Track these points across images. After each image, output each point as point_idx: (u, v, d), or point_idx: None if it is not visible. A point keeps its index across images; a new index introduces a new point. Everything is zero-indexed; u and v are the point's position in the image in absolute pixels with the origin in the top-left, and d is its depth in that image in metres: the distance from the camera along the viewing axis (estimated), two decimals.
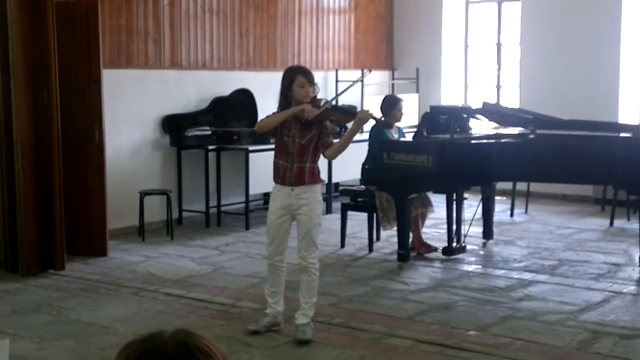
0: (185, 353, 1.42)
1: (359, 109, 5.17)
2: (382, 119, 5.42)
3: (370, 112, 5.12)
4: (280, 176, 5.17)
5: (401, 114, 7.58)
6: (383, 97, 7.99)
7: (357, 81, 5.58)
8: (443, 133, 7.27)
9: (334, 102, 5.28)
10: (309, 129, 5.09)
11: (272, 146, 5.51)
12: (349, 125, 5.18)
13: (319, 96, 5.26)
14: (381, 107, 7.60)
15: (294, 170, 5.11)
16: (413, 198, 7.12)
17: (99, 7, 7.37)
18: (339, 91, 5.35)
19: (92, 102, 7.40)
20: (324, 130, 5.14)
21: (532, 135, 6.98)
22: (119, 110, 8.30)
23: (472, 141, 7.33)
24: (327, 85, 10.74)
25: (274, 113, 5.25)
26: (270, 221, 5.26)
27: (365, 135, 7.97)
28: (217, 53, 9.44)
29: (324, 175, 9.39)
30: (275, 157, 5.22)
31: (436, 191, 7.86)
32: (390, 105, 7.56)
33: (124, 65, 8.47)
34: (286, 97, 5.15)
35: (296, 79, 5.10)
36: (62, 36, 6.98)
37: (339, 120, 5.13)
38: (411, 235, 7.35)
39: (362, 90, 10.86)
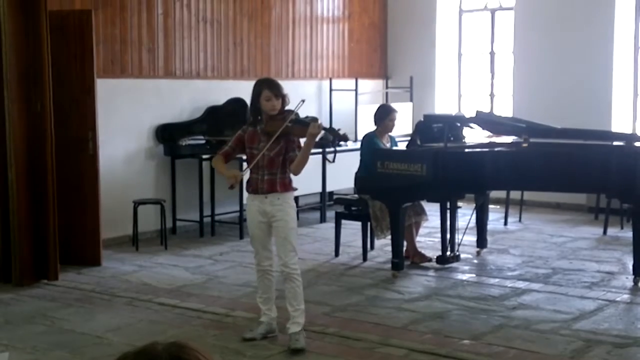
0: None
1: (314, 122, 5.12)
2: (339, 130, 5.30)
3: (321, 124, 5.11)
4: (252, 187, 5.27)
5: (393, 125, 7.59)
6: (378, 106, 8.00)
7: (298, 106, 5.40)
8: (437, 142, 7.28)
9: (296, 116, 5.22)
10: (276, 142, 5.14)
11: None
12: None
13: (309, 106, 5.26)
14: (375, 115, 7.62)
15: (265, 181, 5.19)
16: (407, 207, 7.12)
17: (92, 17, 7.37)
18: (297, 107, 5.25)
19: (86, 111, 7.39)
20: (291, 144, 5.19)
21: (526, 144, 6.99)
22: (113, 119, 8.30)
23: (466, 150, 7.34)
24: (321, 94, 10.77)
25: (235, 137, 5.32)
26: (250, 231, 5.37)
27: (358, 145, 7.98)
28: (211, 62, 9.45)
29: (317, 185, 9.53)
30: (250, 170, 5.29)
31: (430, 200, 7.87)
32: (383, 115, 7.58)
33: (117, 74, 8.47)
34: (255, 110, 5.25)
35: (262, 92, 5.16)
36: (55, 45, 6.98)
37: (300, 133, 5.12)
38: (405, 244, 7.35)
39: (356, 99, 10.87)
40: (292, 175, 5.30)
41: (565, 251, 8.07)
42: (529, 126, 7.20)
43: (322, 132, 5.10)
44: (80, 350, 5.20)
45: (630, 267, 6.87)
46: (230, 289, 6.73)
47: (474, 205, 7.97)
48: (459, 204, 7.86)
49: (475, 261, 7.75)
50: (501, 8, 11.39)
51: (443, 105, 11.71)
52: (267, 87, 5.18)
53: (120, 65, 8.51)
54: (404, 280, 6.96)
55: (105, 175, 7.87)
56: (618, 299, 6.33)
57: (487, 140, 7.77)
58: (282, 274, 5.29)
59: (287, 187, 5.25)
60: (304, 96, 5.40)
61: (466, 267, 7.46)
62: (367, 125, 7.80)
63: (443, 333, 5.50)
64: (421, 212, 7.63)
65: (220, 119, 9.29)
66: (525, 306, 6.16)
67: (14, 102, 6.71)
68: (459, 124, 7.70)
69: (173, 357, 1.42)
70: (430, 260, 7.51)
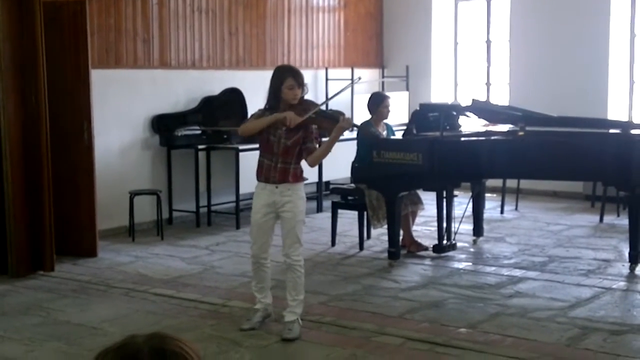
0: (160, 359, 1.40)
1: (343, 116, 5.12)
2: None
3: (352, 121, 5.12)
4: (264, 174, 5.19)
5: (388, 111, 7.59)
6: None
7: (347, 87, 5.52)
8: (433, 131, 7.27)
9: (322, 107, 5.23)
10: (295, 131, 5.10)
11: None
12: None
13: (307, 97, 5.27)
14: (368, 104, 7.61)
15: (278, 170, 5.13)
16: (403, 196, 7.12)
17: (87, 7, 7.33)
18: (330, 95, 5.33)
19: (81, 102, 7.37)
20: (309, 134, 5.15)
21: (522, 132, 6.99)
22: (108, 110, 8.28)
23: (462, 139, 7.33)
24: (317, 84, 10.75)
25: (257, 115, 5.21)
26: (254, 220, 5.27)
27: (354, 134, 7.96)
28: (207, 52, 9.42)
29: (314, 174, 9.50)
30: (261, 155, 5.24)
31: (426, 189, 7.87)
32: (377, 102, 7.57)
33: (112, 65, 8.44)
34: (275, 97, 5.15)
35: (285, 81, 5.10)
36: (50, 36, 6.95)
37: (324, 126, 5.11)
38: (402, 233, 7.35)
39: (352, 88, 10.83)
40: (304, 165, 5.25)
41: (561, 239, 8.08)
42: (525, 114, 7.20)
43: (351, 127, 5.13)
44: (76, 341, 5.20)
45: (626, 255, 6.88)
46: (227, 279, 6.72)
47: (470, 193, 7.97)
48: (455, 192, 7.87)
49: (472, 250, 7.75)
50: None
51: (439, 94, 11.69)
52: (292, 75, 5.11)
53: (115, 55, 8.48)
54: (400, 270, 6.97)
55: (101, 166, 7.85)
56: (614, 286, 6.34)
57: (483, 129, 7.76)
58: (284, 263, 5.29)
59: (299, 177, 5.20)
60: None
61: (462, 256, 7.46)
62: (363, 114, 7.79)
63: (439, 322, 5.50)
64: (417, 201, 7.63)
65: (216, 109, 9.27)
66: (522, 294, 6.16)
67: (8, 93, 6.69)
68: (455, 113, 7.70)
69: (155, 349, 1.41)
70: (426, 249, 7.51)
